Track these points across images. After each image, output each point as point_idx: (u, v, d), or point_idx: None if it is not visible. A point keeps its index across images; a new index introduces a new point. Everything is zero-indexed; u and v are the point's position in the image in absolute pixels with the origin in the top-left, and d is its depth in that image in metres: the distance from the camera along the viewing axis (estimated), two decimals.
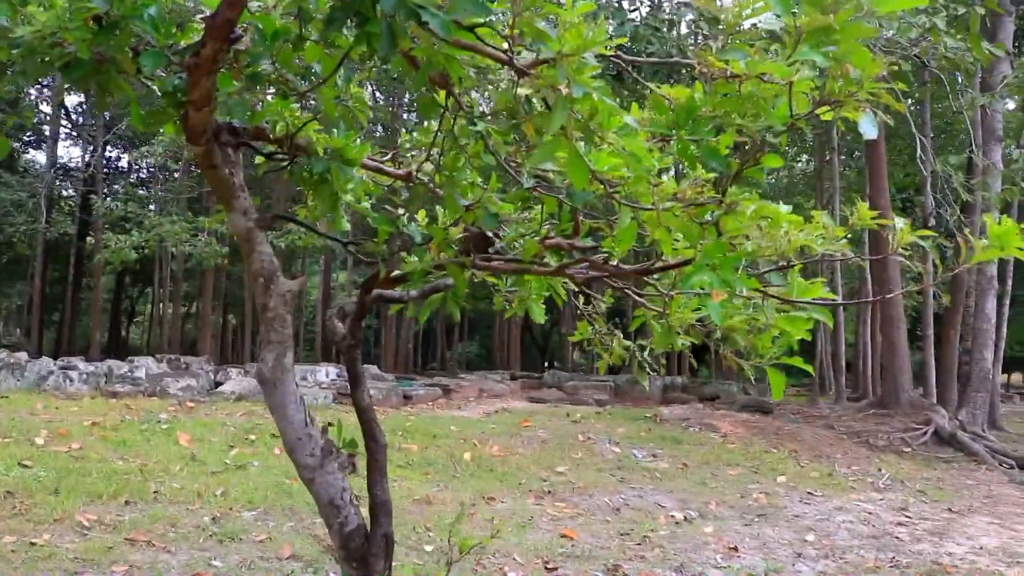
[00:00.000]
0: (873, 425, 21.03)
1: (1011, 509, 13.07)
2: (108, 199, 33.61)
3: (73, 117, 42.45)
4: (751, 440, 15.57)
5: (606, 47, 2.76)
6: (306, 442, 4.14)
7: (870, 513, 11.81)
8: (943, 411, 21.75)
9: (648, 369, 5.69)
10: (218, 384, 18.28)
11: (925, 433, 19.88)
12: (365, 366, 20.82)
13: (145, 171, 43.48)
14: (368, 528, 4.46)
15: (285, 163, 4.32)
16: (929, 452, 18.62)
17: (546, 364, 53.82)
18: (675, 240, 3.51)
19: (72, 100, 41.01)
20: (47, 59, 3.46)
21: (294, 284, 4.09)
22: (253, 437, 12.06)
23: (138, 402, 15.40)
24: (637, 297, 4.28)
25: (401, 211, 4.29)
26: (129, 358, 20.99)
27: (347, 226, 4.75)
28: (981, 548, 10.21)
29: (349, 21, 2.90)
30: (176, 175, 35.84)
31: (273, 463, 10.58)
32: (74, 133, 42.72)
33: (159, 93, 3.88)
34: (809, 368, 4.29)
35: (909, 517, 11.80)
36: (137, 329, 60.26)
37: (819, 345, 31.58)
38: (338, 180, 4.50)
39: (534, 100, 3.17)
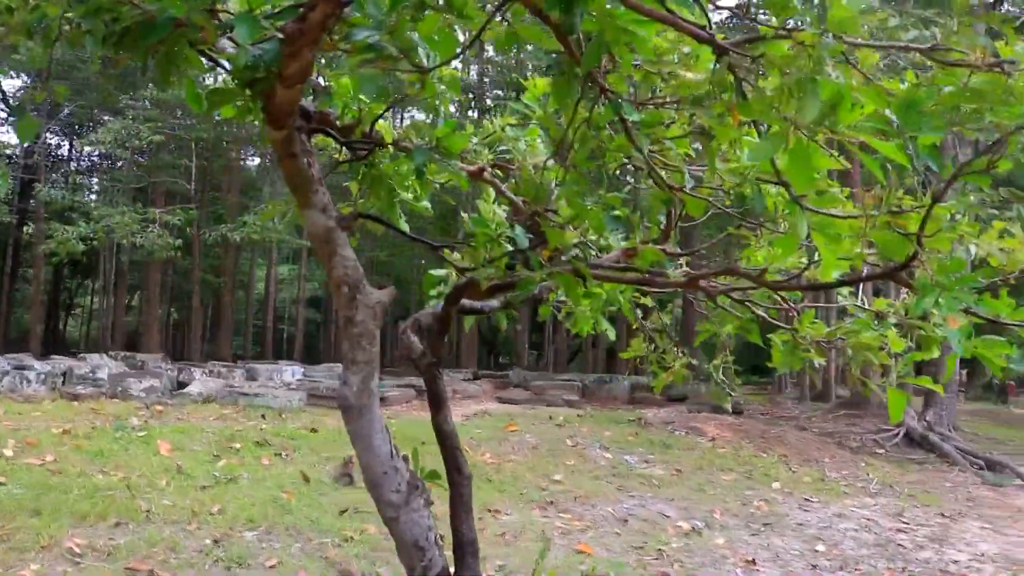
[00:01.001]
0: (845, 426, 20.99)
1: (996, 512, 12.99)
2: (50, 188, 32.15)
3: (11, 102, 40.79)
4: (739, 444, 15.28)
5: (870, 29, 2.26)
6: (392, 477, 3.59)
7: (869, 520, 11.59)
8: (912, 411, 21.76)
9: (727, 389, 5.26)
10: (181, 384, 17.41)
11: (896, 435, 19.85)
12: (328, 365, 20.01)
13: (87, 160, 42.01)
14: (453, 571, 3.91)
15: (364, 153, 3.75)
16: (902, 453, 18.59)
17: (497, 360, 53.31)
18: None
19: (11, 84, 39.36)
20: (117, 18, 2.86)
21: (384, 295, 3.54)
22: (237, 446, 11.37)
23: (102, 405, 14.54)
24: (762, 313, 3.82)
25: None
26: (81, 355, 19.99)
27: (405, 226, 4.20)
28: (982, 555, 10.06)
29: None
30: (120, 164, 34.54)
31: (263, 474, 9.93)
32: (13, 118, 41.00)
33: (227, 68, 3.30)
34: (939, 388, 3.90)
35: (907, 523, 11.61)
36: (74, 321, 58.38)
37: None
38: (397, 175, 3.96)
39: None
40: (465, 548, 3.95)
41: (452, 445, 3.95)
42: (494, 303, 4.06)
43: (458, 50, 2.97)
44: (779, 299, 3.64)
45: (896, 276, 2.89)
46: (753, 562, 8.80)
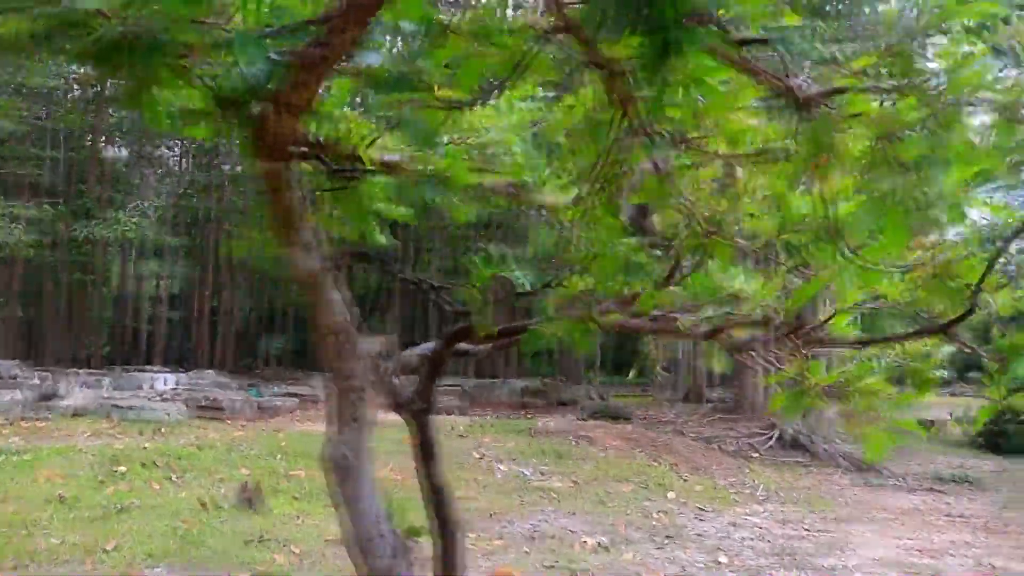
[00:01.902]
0: (722, 430, 21.37)
1: (880, 515, 13.40)
2: None
3: None
4: (631, 453, 15.36)
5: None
6: (378, 543, 3.27)
7: (761, 527, 11.79)
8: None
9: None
10: (45, 396, 16.09)
11: (771, 438, 20.34)
12: (200, 372, 19.05)
13: None
14: None
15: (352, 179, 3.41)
16: (777, 457, 19.02)
17: None
18: None
19: None
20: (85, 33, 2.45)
21: (378, 343, 3.21)
22: (123, 468, 10.60)
23: None
24: (762, 360, 3.66)
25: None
26: None
27: (383, 239, 3.87)
28: (878, 559, 10.32)
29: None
30: None
31: (156, 501, 9.28)
32: None
33: (212, 91, 2.91)
34: (922, 431, 3.88)
35: (796, 530, 11.85)
36: None
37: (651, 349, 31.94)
38: (372, 184, 3.63)
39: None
40: None
41: (445, 499, 3.65)
42: (486, 346, 3.78)
43: (492, 86, 2.66)
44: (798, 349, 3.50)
45: (949, 331, 2.78)
46: None
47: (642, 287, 3.51)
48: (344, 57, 2.63)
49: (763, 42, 2.32)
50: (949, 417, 29.68)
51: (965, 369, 30.55)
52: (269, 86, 2.64)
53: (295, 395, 19.07)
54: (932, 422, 32.06)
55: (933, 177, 2.02)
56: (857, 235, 2.39)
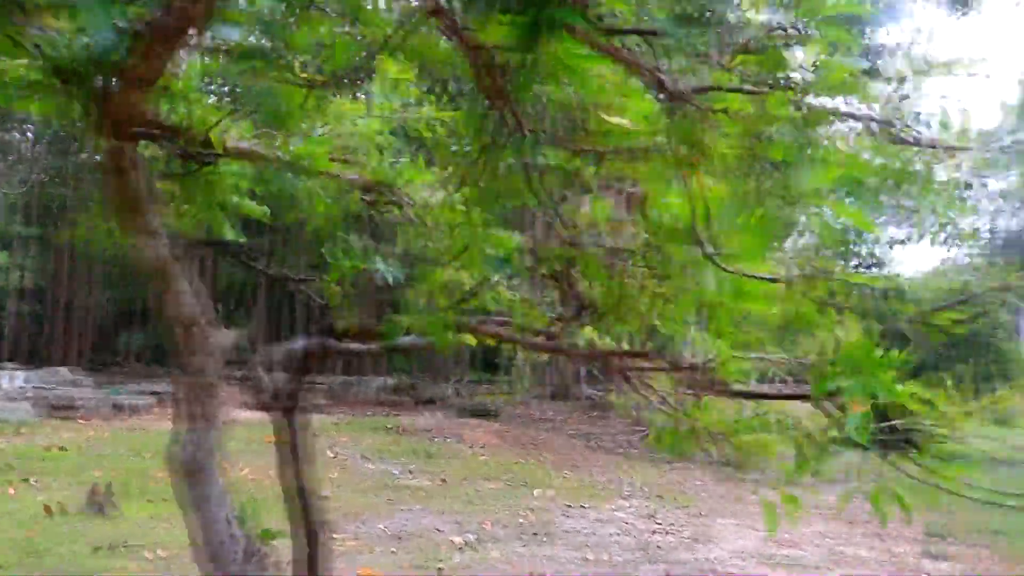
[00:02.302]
0: (597, 428, 21.60)
1: (742, 508, 13.73)
2: None
3: None
4: (501, 451, 15.35)
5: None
6: (229, 546, 3.11)
7: (627, 523, 11.93)
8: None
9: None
10: None
11: (646, 435, 20.65)
12: (54, 369, 18.10)
13: None
14: None
15: (203, 165, 3.22)
16: (651, 453, 19.29)
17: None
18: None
19: None
20: None
21: (230, 337, 3.04)
22: None
23: None
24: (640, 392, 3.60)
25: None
26: None
27: (239, 235, 3.69)
28: (739, 551, 10.60)
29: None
30: None
31: (8, 508, 8.70)
32: None
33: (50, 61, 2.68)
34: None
35: (660, 524, 12.05)
36: None
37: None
38: (224, 175, 3.46)
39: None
40: None
41: (312, 504, 3.49)
42: (374, 347, 3.63)
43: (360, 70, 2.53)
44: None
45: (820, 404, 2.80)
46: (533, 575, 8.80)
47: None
48: (199, 30, 2.47)
49: (635, 32, 2.28)
50: (814, 411, 31.05)
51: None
52: (115, 57, 2.45)
53: (156, 393, 18.30)
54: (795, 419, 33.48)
55: (797, 176, 2.01)
56: (726, 239, 2.36)
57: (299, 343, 3.44)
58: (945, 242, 28.55)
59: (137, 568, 7.10)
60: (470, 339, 3.33)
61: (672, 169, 2.31)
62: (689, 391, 3.33)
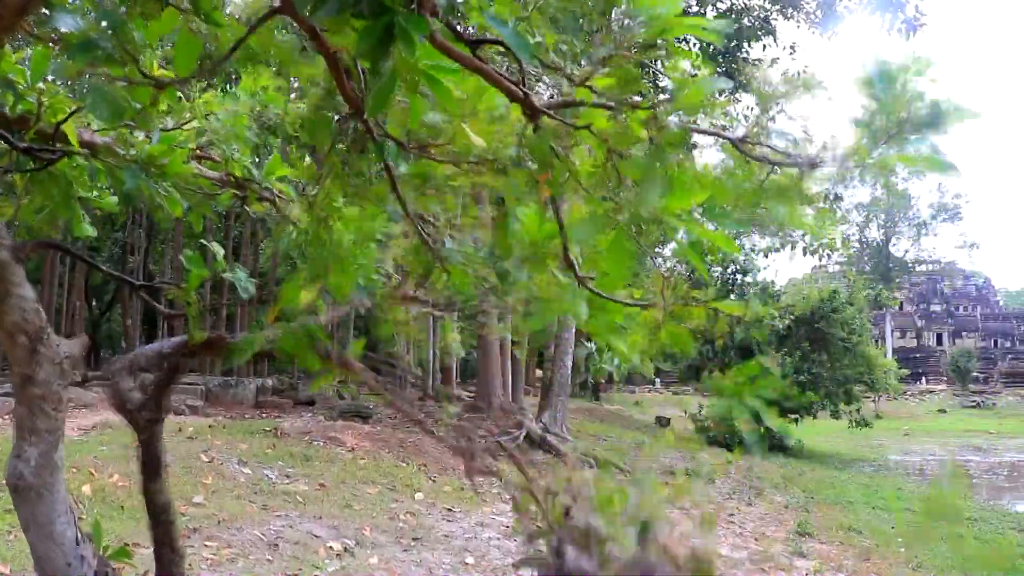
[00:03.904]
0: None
1: None
2: None
3: None
4: (379, 454, 15.16)
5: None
6: (77, 568, 2.93)
7: (507, 526, 11.97)
8: (530, 414, 23.08)
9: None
10: None
11: (518, 437, 20.88)
12: None
13: None
14: None
15: (46, 163, 3.03)
16: (524, 455, 19.47)
17: (99, 359, 49.01)
18: None
19: None
20: None
21: (74, 346, 2.87)
22: None
23: None
24: None
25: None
26: None
27: (91, 231, 3.51)
28: None
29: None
30: None
31: None
32: None
33: None
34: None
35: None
36: None
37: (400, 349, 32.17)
38: (77, 169, 3.29)
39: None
40: None
41: (167, 520, 3.31)
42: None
43: (201, 67, 2.40)
44: None
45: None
46: None
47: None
48: (33, 17, 2.31)
49: (497, 43, 2.24)
50: (684, 414, 31.90)
51: (694, 371, 32.74)
52: None
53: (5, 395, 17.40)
54: (668, 420, 34.38)
55: (649, 196, 1.98)
56: (618, 272, 2.33)
57: (169, 343, 3.25)
58: (815, 251, 29.67)
59: None
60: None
61: (528, 184, 2.28)
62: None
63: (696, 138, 2.27)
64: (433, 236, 2.72)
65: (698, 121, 2.17)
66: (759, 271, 33.09)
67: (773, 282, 34.02)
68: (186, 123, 3.36)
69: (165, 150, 2.93)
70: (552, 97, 2.34)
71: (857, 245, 78.32)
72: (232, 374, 30.44)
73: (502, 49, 2.13)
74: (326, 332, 2.89)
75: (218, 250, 3.09)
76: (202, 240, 3.17)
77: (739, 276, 32.54)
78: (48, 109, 3.08)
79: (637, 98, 2.09)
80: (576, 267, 2.38)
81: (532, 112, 2.20)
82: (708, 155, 2.81)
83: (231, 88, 3.63)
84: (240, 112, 3.40)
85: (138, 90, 2.40)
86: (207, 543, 9.09)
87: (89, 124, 3.25)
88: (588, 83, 2.21)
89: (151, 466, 3.30)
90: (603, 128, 2.14)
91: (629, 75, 2.02)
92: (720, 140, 2.34)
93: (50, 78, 3.12)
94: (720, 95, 2.28)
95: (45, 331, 2.81)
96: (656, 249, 2.48)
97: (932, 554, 12.68)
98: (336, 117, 2.56)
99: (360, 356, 3.05)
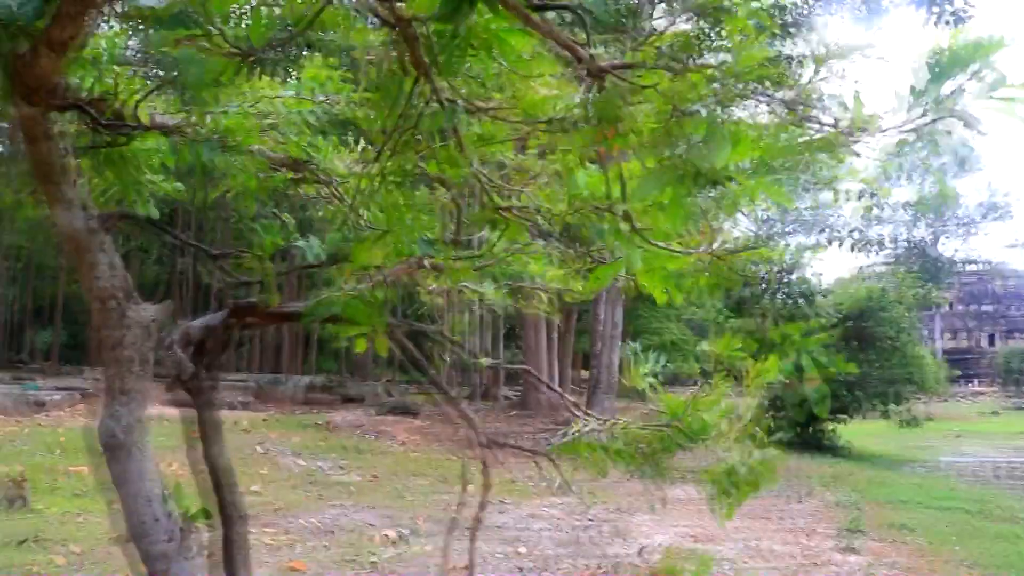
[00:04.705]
0: (518, 426, 21.79)
1: (660, 505, 13.96)
2: None
3: None
4: (429, 448, 15.32)
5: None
6: (152, 527, 3.04)
7: (558, 518, 12.04)
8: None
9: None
10: None
11: (565, 434, 20.88)
12: None
13: None
14: None
15: (123, 140, 3.15)
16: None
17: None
18: None
19: None
20: None
21: (159, 310, 2.98)
22: None
23: None
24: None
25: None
26: None
27: (155, 212, 3.62)
28: (656, 545, 10.77)
29: None
30: None
31: None
32: None
33: None
34: None
35: (591, 520, 12.18)
36: None
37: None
38: (143, 152, 3.39)
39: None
40: None
41: (228, 483, 3.43)
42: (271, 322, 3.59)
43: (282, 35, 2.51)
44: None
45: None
46: (467, 568, 8.77)
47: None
48: None
49: (562, 8, 2.31)
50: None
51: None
52: (25, 20, 2.41)
53: (76, 389, 17.87)
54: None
55: (715, 151, 2.05)
56: (643, 211, 2.40)
57: (217, 317, 3.38)
58: (860, 248, 29.35)
59: (64, 562, 6.94)
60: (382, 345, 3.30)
61: (590, 143, 2.36)
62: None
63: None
64: (498, 189, 2.81)
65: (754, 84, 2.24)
66: (806, 269, 32.72)
67: (820, 281, 33.64)
68: (251, 105, 3.47)
69: (238, 124, 3.04)
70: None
71: (905, 244, 77.15)
72: (281, 371, 30.86)
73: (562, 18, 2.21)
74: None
75: (289, 220, 3.20)
76: (274, 211, 3.26)
77: (786, 275, 32.25)
78: (124, 90, 3.20)
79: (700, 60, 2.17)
80: (633, 220, 2.45)
81: (598, 72, 2.27)
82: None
83: (292, 78, 3.72)
84: (303, 97, 3.49)
85: (214, 64, 2.50)
86: (265, 529, 9.28)
87: (156, 108, 3.38)
88: (652, 43, 2.27)
89: (209, 431, 3.44)
90: (667, 87, 2.21)
91: (687, 39, 2.09)
92: (771, 101, 2.41)
93: (123, 58, 3.24)
94: (775, 61, 2.34)
95: (132, 296, 2.93)
96: (708, 199, 2.53)
97: (987, 553, 12.46)
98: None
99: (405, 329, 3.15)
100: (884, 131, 2.28)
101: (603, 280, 3.07)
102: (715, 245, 2.74)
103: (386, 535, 9.76)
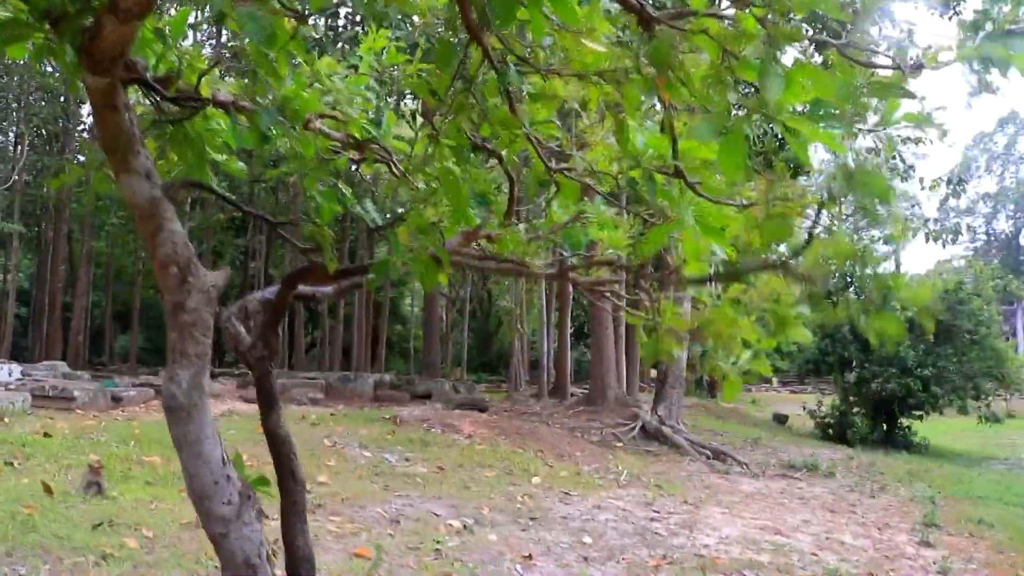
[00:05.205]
0: (585, 422, 21.80)
1: (730, 498, 13.94)
2: None
3: None
4: (496, 441, 15.37)
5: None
6: (223, 487, 3.13)
7: (624, 510, 12.01)
8: (646, 407, 23.04)
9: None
10: None
11: (633, 428, 20.91)
12: (50, 363, 18.15)
13: None
14: None
15: (188, 113, 3.25)
16: (639, 446, 19.55)
17: (223, 356, 50.95)
18: None
19: None
20: None
21: (219, 276, 3.06)
22: None
23: None
24: (623, 304, 3.67)
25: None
26: None
27: (219, 189, 3.71)
28: (727, 537, 10.71)
29: None
30: None
31: None
32: None
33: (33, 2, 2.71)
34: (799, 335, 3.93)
35: (658, 512, 12.13)
36: None
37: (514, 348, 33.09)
38: (208, 132, 3.48)
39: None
40: (301, 565, 3.53)
41: (287, 451, 3.51)
42: (329, 289, 3.66)
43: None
44: (647, 292, 3.51)
45: (787, 267, 2.83)
46: (530, 557, 8.82)
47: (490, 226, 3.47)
48: None
49: None
50: (803, 410, 31.14)
51: (812, 368, 31.94)
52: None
53: (151, 385, 18.35)
54: (786, 416, 33.66)
55: (770, 92, 2.03)
56: (696, 168, 2.40)
57: (272, 291, 3.46)
58: (936, 238, 28.63)
59: (136, 544, 7.14)
60: (442, 277, 3.36)
61: (644, 92, 2.36)
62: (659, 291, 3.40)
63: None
64: (550, 151, 2.83)
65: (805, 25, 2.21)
66: (880, 263, 32.02)
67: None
68: (310, 84, 3.54)
69: (298, 92, 3.11)
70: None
71: (984, 237, 75.08)
72: (351, 369, 31.26)
73: None
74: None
75: (346, 189, 3.26)
76: (333, 179, 3.32)
77: (857, 268, 31.60)
78: (187, 68, 3.30)
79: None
80: (684, 175, 2.44)
81: (648, 21, 2.27)
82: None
83: (350, 54, 3.77)
84: (361, 72, 3.56)
85: (278, 23, 2.56)
86: (331, 518, 9.41)
87: (219, 89, 3.47)
88: None
89: (267, 401, 3.51)
90: (718, 32, 2.20)
91: None
92: (826, 44, 2.38)
93: (188, 43, 3.33)
94: None
95: (193, 262, 3.02)
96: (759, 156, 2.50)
97: None
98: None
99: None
100: (943, 64, 2.24)
101: (658, 241, 3.06)
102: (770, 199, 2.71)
103: (451, 524, 9.83)
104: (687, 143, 2.55)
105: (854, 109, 2.27)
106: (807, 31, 2.62)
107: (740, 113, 2.22)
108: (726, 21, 2.26)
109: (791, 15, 2.17)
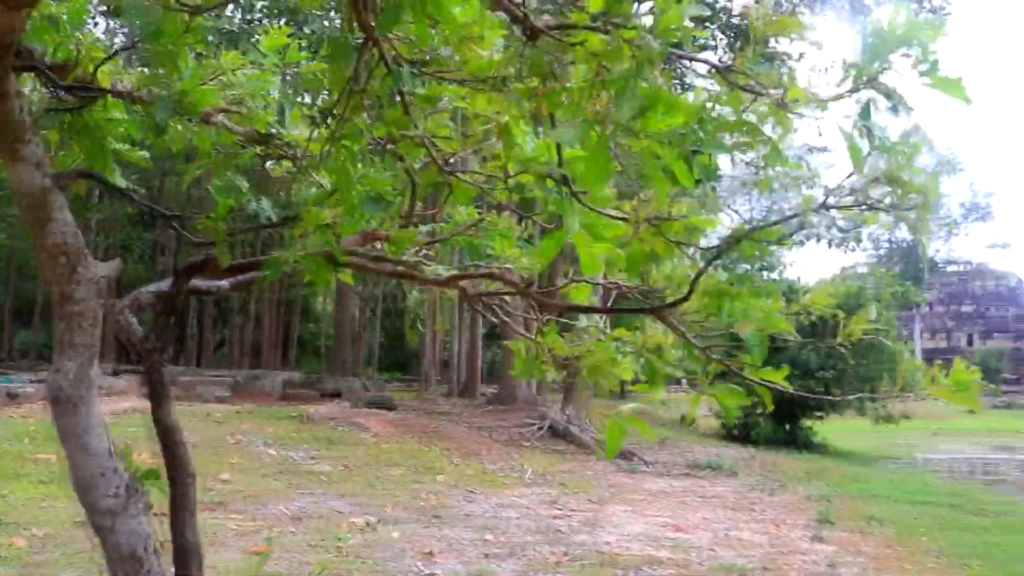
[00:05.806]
0: (495, 421, 21.92)
1: (634, 496, 14.19)
2: None
3: None
4: (403, 439, 15.38)
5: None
6: (109, 479, 3.12)
7: (529, 508, 12.14)
8: (555, 407, 23.27)
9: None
10: None
11: (541, 428, 21.09)
12: None
13: None
14: None
15: (84, 103, 3.22)
16: (547, 445, 19.74)
17: (128, 353, 49.72)
18: None
19: None
20: None
21: (109, 267, 3.06)
22: None
23: None
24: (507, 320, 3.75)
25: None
26: None
27: (121, 180, 3.68)
28: (629, 535, 10.92)
29: None
30: None
31: None
32: None
33: None
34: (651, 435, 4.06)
35: (561, 509, 12.29)
36: None
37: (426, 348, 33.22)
38: (109, 123, 3.46)
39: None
40: (189, 556, 3.52)
41: (176, 441, 3.50)
42: (224, 283, 3.67)
43: None
44: (534, 308, 3.59)
45: (660, 314, 2.96)
46: (431, 554, 8.86)
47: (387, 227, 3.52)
48: None
49: None
50: (709, 412, 31.82)
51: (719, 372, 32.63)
52: None
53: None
54: (694, 418, 34.32)
55: (625, 106, 2.13)
56: (593, 179, 2.49)
57: (166, 284, 3.47)
58: (838, 245, 29.53)
59: (25, 544, 6.99)
60: (346, 276, 3.40)
61: (525, 101, 2.45)
62: (540, 313, 3.49)
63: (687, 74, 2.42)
64: (444, 155, 2.90)
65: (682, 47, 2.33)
66: (784, 268, 32.95)
67: (799, 279, 33.87)
68: (212, 78, 3.54)
69: (195, 85, 3.11)
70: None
71: (887, 245, 77.70)
72: (259, 367, 30.82)
73: None
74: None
75: (243, 183, 3.28)
76: (228, 176, 3.33)
77: (765, 272, 32.46)
78: (85, 57, 3.27)
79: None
80: (570, 183, 2.54)
81: (532, 32, 2.36)
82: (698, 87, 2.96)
83: (251, 49, 3.78)
84: (265, 68, 3.57)
85: (171, 18, 2.57)
86: (232, 515, 9.34)
87: (122, 78, 3.45)
88: (580, 5, 2.36)
89: (157, 392, 3.51)
90: (595, 46, 2.30)
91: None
92: (711, 71, 2.50)
93: (87, 28, 3.31)
94: (698, 23, 2.42)
95: (83, 253, 3.00)
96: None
97: (955, 544, 12.64)
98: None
99: None
100: (820, 102, 2.37)
101: (550, 251, 3.14)
102: (648, 214, 2.81)
103: (354, 522, 9.83)
104: (573, 152, 2.63)
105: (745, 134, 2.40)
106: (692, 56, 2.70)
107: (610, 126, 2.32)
108: (608, 37, 2.35)
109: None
